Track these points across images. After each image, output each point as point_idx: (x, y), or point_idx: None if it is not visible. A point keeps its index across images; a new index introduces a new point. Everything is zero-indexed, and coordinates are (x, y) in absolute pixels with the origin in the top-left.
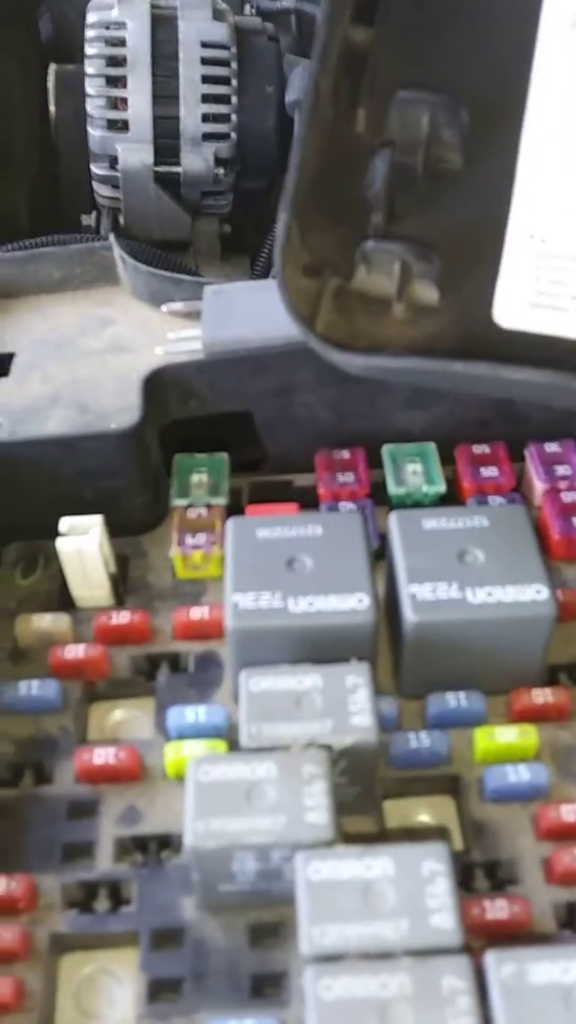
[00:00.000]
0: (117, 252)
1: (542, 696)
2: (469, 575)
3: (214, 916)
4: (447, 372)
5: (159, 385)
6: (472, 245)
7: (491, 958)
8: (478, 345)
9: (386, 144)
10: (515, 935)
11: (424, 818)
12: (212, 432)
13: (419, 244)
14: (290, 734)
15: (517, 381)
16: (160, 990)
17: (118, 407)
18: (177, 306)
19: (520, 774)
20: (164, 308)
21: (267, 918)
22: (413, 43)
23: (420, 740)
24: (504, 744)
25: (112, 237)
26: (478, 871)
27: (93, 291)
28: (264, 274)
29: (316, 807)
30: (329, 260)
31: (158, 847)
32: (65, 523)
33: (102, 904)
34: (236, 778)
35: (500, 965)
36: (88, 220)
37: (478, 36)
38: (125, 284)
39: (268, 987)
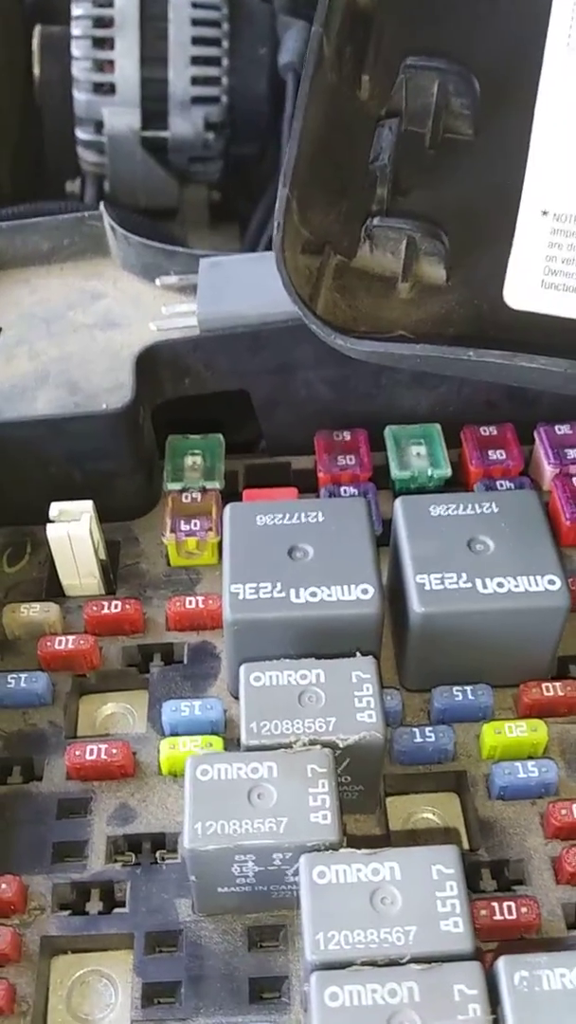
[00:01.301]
0: (108, 222)
1: (552, 690)
2: (479, 564)
3: (211, 918)
4: (457, 359)
5: (152, 363)
6: (482, 221)
7: (503, 964)
8: (487, 327)
9: (393, 114)
10: (523, 937)
11: (428, 816)
12: (205, 411)
13: (427, 221)
14: (292, 731)
15: (530, 369)
16: (155, 994)
17: (109, 386)
18: (171, 280)
19: (529, 771)
20: (158, 282)
21: (266, 920)
22: (421, 6)
23: (425, 735)
24: (513, 740)
25: (103, 206)
26: (484, 871)
27: (83, 263)
28: (254, 244)
29: (320, 808)
30: (330, 237)
31: (152, 847)
32: (55, 508)
33: (94, 906)
34: (236, 777)
35: (512, 971)
36: (72, 186)
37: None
38: (116, 256)
39: (267, 992)
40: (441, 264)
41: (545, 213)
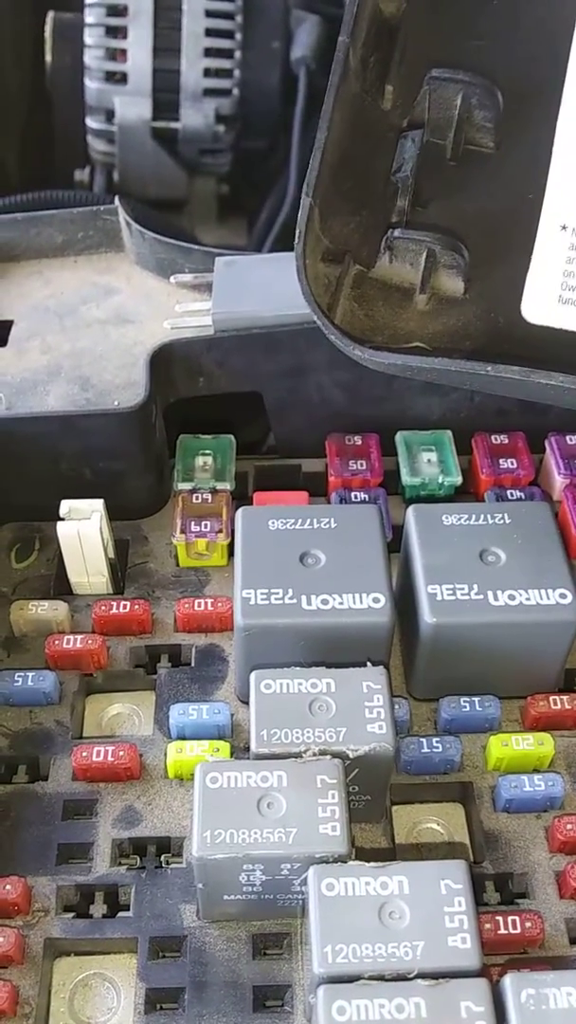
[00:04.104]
0: (123, 216)
1: (559, 703)
2: (490, 576)
3: (216, 924)
4: (474, 374)
5: (166, 361)
6: (501, 235)
7: (510, 981)
8: (504, 341)
9: (415, 125)
10: (526, 951)
11: (433, 826)
12: (215, 411)
13: (447, 233)
14: (302, 740)
15: (547, 386)
16: (158, 999)
17: (122, 383)
18: (186, 277)
19: (535, 784)
20: (173, 279)
21: (271, 928)
22: (446, 18)
23: (432, 746)
24: (519, 752)
25: (118, 200)
26: (488, 884)
27: (96, 257)
28: (262, 238)
29: (329, 819)
30: (350, 246)
31: (157, 850)
32: (65, 506)
33: (99, 909)
34: (246, 786)
35: (519, 989)
36: (81, 175)
37: (515, 14)
38: (130, 251)
39: (271, 1000)
40: (460, 277)
41: (564, 228)
